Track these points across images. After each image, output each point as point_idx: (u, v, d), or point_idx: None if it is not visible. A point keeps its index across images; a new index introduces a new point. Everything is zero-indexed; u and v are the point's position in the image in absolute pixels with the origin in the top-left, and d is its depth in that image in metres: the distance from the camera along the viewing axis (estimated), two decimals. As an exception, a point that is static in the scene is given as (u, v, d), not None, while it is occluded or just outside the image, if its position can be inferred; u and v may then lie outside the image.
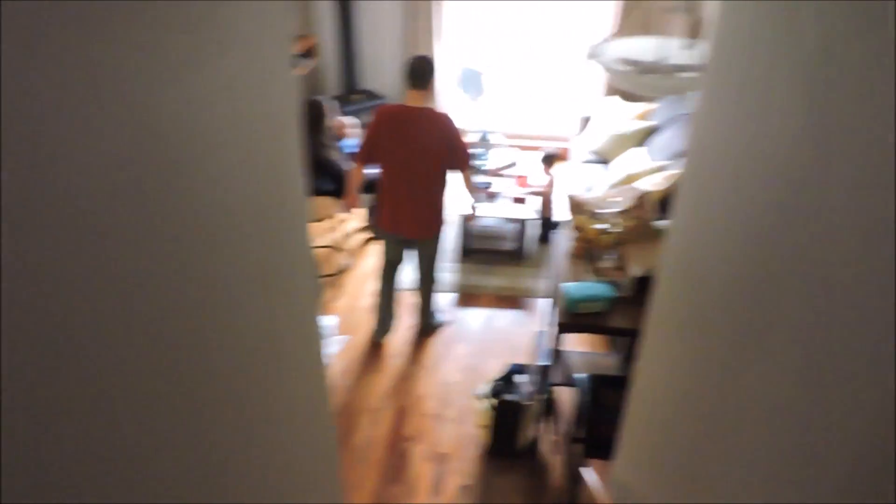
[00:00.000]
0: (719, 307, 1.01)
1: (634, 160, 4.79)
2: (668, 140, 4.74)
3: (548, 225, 4.96)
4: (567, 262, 3.22)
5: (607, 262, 3.04)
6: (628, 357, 3.52)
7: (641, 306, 2.93)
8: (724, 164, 0.95)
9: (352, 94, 5.94)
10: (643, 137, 5.07)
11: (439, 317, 4.23)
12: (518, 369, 3.40)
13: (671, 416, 1.25)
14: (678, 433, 1.14)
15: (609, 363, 3.33)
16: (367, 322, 4.15)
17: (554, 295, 3.19)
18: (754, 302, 0.80)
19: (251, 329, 1.05)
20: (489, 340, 4.00)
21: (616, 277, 2.94)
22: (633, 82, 2.85)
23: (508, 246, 4.89)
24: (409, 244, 3.80)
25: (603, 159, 5.23)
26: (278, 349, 1.17)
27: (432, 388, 3.62)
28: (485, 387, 3.39)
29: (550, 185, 4.86)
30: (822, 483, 0.53)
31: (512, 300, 4.36)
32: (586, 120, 5.77)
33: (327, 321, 3.94)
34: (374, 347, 4.01)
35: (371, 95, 6.01)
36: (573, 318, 2.81)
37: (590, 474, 3.14)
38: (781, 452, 0.69)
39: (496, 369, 3.70)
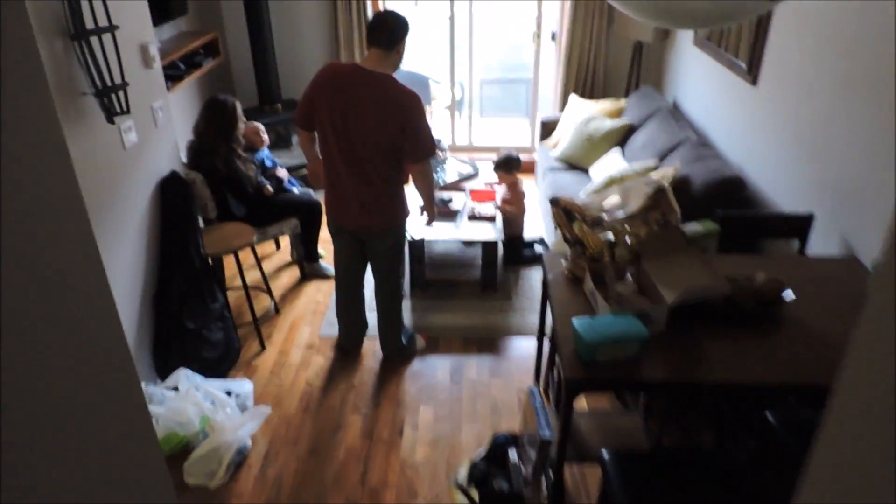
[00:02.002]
0: None
1: (614, 163, 4.03)
2: (650, 137, 4.00)
3: (515, 244, 4.12)
4: (562, 289, 2.36)
5: (625, 287, 2.19)
6: (652, 416, 2.67)
7: (681, 347, 2.13)
8: None
9: (268, 105, 5.00)
10: (619, 138, 4.33)
11: (410, 341, 3.36)
12: (507, 441, 2.50)
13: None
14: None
15: (630, 426, 2.47)
16: (298, 385, 3.18)
17: (554, 337, 2.33)
18: None
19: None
20: (461, 399, 3.08)
21: (639, 306, 2.09)
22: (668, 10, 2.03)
23: (472, 275, 4.01)
24: (362, 240, 3.07)
25: (572, 166, 4.45)
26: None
27: (393, 473, 2.67)
28: (464, 470, 2.47)
29: (518, 195, 4.03)
30: None
31: (483, 343, 3.47)
32: (547, 125, 5.01)
33: (240, 387, 2.94)
34: (341, 356, 3.40)
35: (291, 105, 5.10)
36: (590, 372, 1.94)
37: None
38: None
39: (476, 440, 2.79)
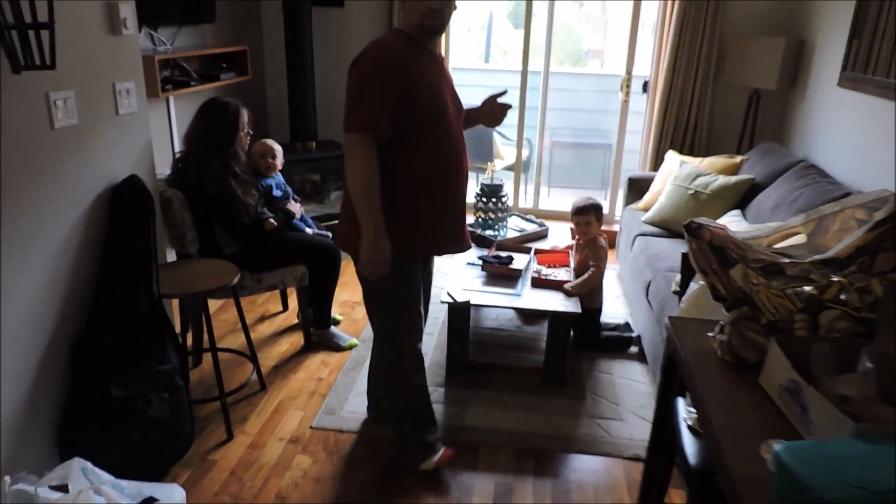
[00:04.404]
0: None
1: (733, 226, 2.98)
2: (786, 194, 2.97)
3: (592, 321, 3.05)
4: (714, 381, 1.29)
5: (854, 385, 1.11)
6: None
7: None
8: None
9: (301, 142, 4.23)
10: (736, 196, 3.30)
11: (418, 449, 2.29)
12: None
13: None
14: None
15: None
16: (264, 498, 2.12)
17: (702, 473, 1.25)
18: None
19: None
20: (507, 550, 1.96)
21: None
22: None
23: (531, 360, 2.94)
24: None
25: (671, 231, 3.43)
26: None
27: None
28: None
29: (598, 252, 3.00)
30: None
31: (545, 459, 2.36)
32: (636, 183, 4.04)
33: (167, 495, 1.91)
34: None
35: (329, 146, 4.31)
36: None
37: None
38: None
39: None
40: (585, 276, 2.88)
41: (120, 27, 2.22)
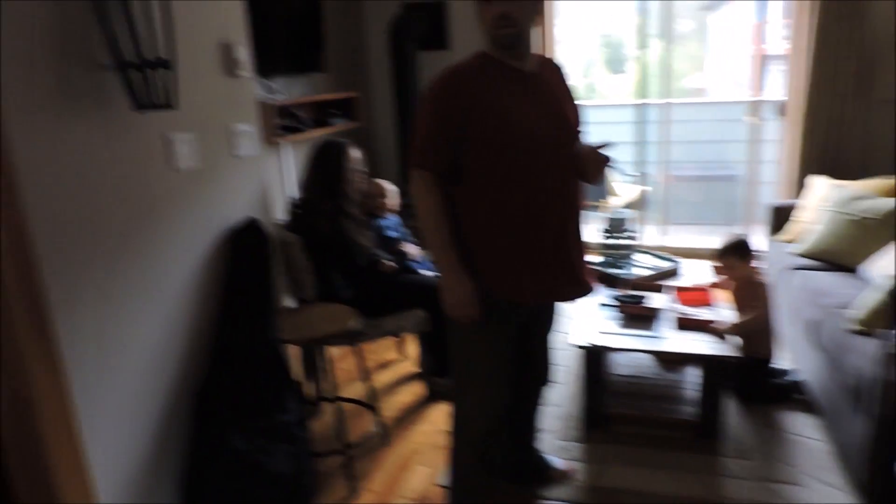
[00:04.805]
0: None
1: (915, 252, 2.55)
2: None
3: (758, 370, 2.67)
4: None
5: None
6: None
7: None
8: None
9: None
10: (910, 220, 2.85)
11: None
12: None
13: None
14: None
15: None
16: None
17: None
18: None
19: None
20: None
21: None
22: None
23: (680, 412, 2.60)
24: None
25: (829, 263, 3.00)
26: None
27: None
28: None
29: (756, 293, 2.65)
30: None
31: (712, 529, 2.01)
32: (781, 212, 3.63)
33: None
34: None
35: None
36: None
37: None
38: None
39: None
40: (744, 317, 2.55)
41: (236, 69, 2.21)
